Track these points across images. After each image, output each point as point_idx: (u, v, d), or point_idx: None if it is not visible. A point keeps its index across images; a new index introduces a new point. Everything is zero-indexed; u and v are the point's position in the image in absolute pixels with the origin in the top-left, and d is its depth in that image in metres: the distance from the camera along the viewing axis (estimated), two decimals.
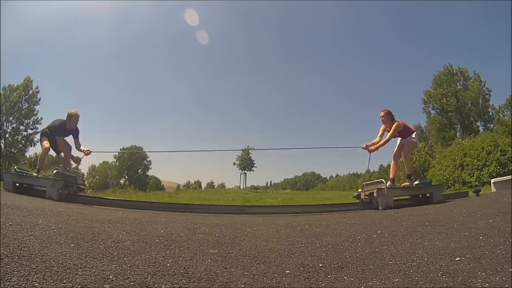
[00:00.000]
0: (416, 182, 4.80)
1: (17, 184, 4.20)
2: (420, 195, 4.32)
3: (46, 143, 4.65)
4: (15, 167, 5.32)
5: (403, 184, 4.57)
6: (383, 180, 4.14)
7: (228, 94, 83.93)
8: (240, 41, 78.50)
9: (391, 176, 4.55)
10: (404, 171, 5.61)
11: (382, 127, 4.61)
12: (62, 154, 4.90)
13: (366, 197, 4.35)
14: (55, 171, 4.42)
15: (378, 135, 4.69)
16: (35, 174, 4.58)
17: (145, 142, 63.12)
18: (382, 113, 4.63)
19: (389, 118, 4.55)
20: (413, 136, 4.63)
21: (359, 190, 4.63)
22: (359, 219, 2.69)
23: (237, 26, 77.57)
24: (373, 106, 72.05)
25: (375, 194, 4.04)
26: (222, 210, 4.04)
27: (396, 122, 4.48)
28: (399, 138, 4.59)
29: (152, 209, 3.85)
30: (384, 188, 3.96)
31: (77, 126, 4.83)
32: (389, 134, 4.46)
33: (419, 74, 55.49)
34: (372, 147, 4.51)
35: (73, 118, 4.69)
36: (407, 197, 4.47)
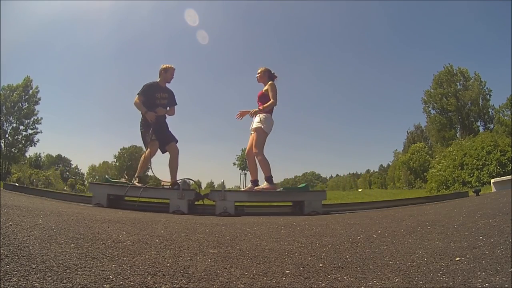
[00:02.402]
0: (302, 185, 4.06)
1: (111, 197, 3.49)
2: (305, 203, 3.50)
3: (153, 143, 3.65)
4: (106, 177, 4.54)
5: (255, 188, 3.67)
6: (223, 180, 3.49)
7: (228, 94, 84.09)
8: (240, 41, 78.81)
9: (251, 177, 3.84)
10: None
11: (259, 93, 3.87)
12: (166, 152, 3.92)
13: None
14: (179, 180, 3.53)
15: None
16: (138, 183, 3.65)
17: None
18: (259, 70, 3.87)
19: (266, 75, 3.83)
20: (263, 117, 3.64)
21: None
22: (359, 219, 2.69)
23: (237, 26, 77.79)
24: (373, 106, 72.16)
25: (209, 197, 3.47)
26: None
27: (272, 82, 3.73)
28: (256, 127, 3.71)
29: (152, 209, 3.84)
30: (220, 190, 3.37)
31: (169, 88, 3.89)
32: (271, 94, 3.67)
33: (419, 74, 55.62)
34: (254, 110, 3.72)
35: (169, 71, 3.82)
36: (289, 203, 3.84)
